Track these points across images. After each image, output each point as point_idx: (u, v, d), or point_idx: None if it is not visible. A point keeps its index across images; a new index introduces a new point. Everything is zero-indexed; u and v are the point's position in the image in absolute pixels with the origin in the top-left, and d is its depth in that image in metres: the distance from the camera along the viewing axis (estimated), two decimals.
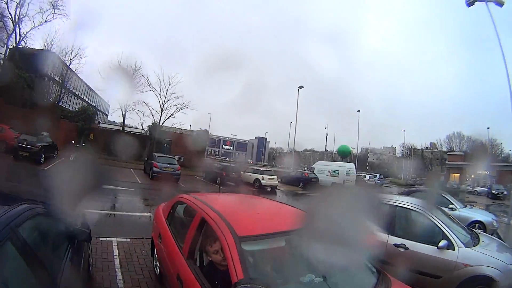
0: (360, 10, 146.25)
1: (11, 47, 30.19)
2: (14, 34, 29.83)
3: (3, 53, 29.82)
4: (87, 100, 51.33)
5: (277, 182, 24.96)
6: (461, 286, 4.88)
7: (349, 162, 36.81)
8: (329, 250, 2.71)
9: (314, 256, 2.93)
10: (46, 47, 32.18)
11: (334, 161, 48.19)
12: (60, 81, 35.24)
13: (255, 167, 29.67)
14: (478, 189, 40.08)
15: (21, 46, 30.51)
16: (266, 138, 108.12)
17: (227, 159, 71.85)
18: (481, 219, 10.81)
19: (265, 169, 28.13)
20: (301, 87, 40.07)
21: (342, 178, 28.95)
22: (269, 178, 23.73)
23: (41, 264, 2.42)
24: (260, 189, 22.73)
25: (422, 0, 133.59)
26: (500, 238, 7.07)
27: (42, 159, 17.52)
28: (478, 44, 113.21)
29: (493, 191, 34.05)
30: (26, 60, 27.58)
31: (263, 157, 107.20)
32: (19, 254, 2.14)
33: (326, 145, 63.07)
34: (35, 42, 31.43)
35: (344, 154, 52.49)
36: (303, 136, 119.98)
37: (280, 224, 3.66)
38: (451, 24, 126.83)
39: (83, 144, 19.80)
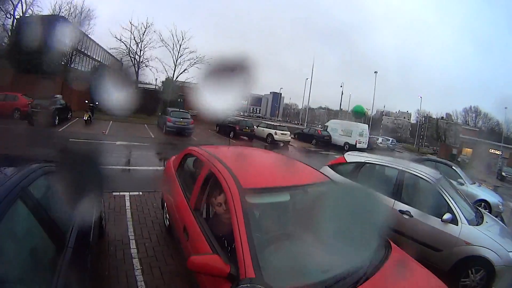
0: None
1: (18, 17, 30.17)
2: (20, 4, 29.84)
3: (11, 23, 29.87)
4: (99, 59, 51.13)
5: (289, 138, 25.04)
6: (459, 263, 4.86)
7: (363, 123, 36.35)
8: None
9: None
10: (55, 12, 32.20)
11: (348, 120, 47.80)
12: (71, 44, 35.16)
13: (269, 122, 29.74)
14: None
15: (28, 15, 30.42)
16: (281, 94, 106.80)
17: (241, 113, 71.63)
18: (487, 199, 10.48)
19: (279, 124, 28.16)
20: (319, 46, 39.25)
21: (355, 138, 28.62)
22: (282, 134, 23.83)
23: (52, 221, 2.53)
24: (272, 144, 22.91)
25: None
26: (503, 222, 6.98)
27: (57, 121, 17.82)
28: None
29: (503, 173, 33.19)
30: (34, 28, 27.46)
31: (277, 112, 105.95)
32: (30, 213, 2.24)
33: (341, 104, 62.16)
34: (43, 9, 31.19)
35: (358, 115, 51.79)
36: (318, 93, 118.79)
37: (287, 178, 3.64)
38: None
39: (97, 103, 19.90)
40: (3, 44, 29.05)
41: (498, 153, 42.42)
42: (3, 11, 29.39)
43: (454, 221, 5.02)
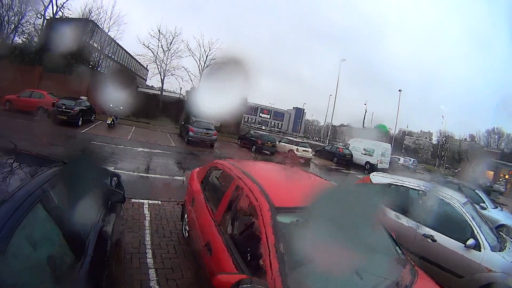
0: None
1: (49, 17, 30.99)
2: (51, 5, 30.63)
3: (41, 23, 30.67)
4: (125, 65, 52.03)
5: (311, 155, 24.80)
6: None
7: (385, 142, 35.90)
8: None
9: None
10: (85, 16, 32.86)
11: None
12: (99, 48, 35.86)
13: (291, 138, 29.55)
14: None
15: (58, 17, 31.13)
16: (303, 109, 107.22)
17: (263, 127, 71.70)
18: (509, 224, 10.10)
19: (301, 140, 27.99)
20: (343, 60, 39.54)
21: (377, 158, 28.10)
22: (303, 150, 23.60)
23: (72, 226, 2.43)
24: (293, 159, 22.46)
25: None
26: None
27: (80, 122, 17.96)
28: None
29: None
30: (63, 29, 28.10)
31: (299, 128, 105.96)
32: (49, 217, 2.15)
33: (363, 122, 61.60)
34: (73, 12, 31.95)
35: (381, 133, 51.24)
36: (341, 110, 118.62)
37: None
38: None
39: (121, 108, 20.10)
40: (33, 43, 29.56)
41: None
42: (34, 11, 30.34)
43: (477, 247, 4.86)
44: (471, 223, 5.12)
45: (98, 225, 2.97)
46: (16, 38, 30.21)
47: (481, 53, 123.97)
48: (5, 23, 28.67)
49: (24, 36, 30.36)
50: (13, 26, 29.33)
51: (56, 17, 31.03)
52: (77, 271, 2.24)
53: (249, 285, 2.23)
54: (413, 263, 3.32)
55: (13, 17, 29.37)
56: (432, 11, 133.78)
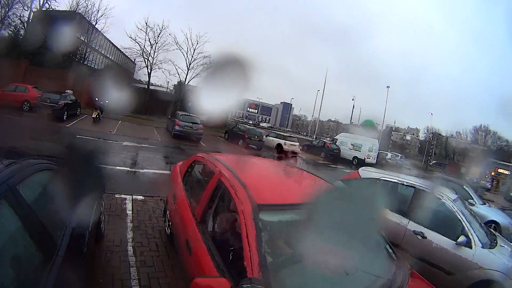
0: None
1: (35, 10, 30.54)
2: None
3: (27, 16, 30.20)
4: (112, 58, 51.46)
5: (298, 149, 24.94)
6: (471, 287, 4.68)
7: (373, 138, 36.06)
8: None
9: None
10: (72, 8, 32.50)
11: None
12: (86, 41, 35.41)
13: (278, 132, 29.57)
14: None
15: (45, 9, 30.75)
16: (291, 104, 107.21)
17: (250, 122, 71.57)
18: (497, 220, 10.36)
19: (288, 135, 28.00)
20: (332, 56, 39.57)
21: (364, 153, 28.31)
22: (291, 144, 23.73)
23: (40, 225, 2.28)
24: (281, 154, 22.67)
25: None
26: None
27: (65, 117, 17.78)
28: None
29: (511, 194, 33.08)
30: (50, 22, 27.68)
31: (286, 123, 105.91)
32: (16, 216, 2.01)
33: (351, 118, 61.82)
34: (60, 4, 31.51)
35: (368, 129, 51.48)
36: (328, 105, 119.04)
37: (303, 195, 3.42)
38: None
39: (107, 102, 19.92)
40: (20, 36, 29.06)
41: (507, 173, 42.41)
42: (21, 3, 29.79)
43: (468, 243, 4.85)
44: (462, 220, 5.11)
45: (73, 223, 2.79)
46: (2, 31, 29.70)
47: (469, 50, 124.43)
48: None
49: (10, 29, 29.86)
50: (0, 19, 28.78)
51: (43, 9, 30.62)
52: (46, 273, 2.09)
53: (249, 285, 2.18)
54: (405, 263, 3.26)
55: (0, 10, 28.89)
56: (420, 8, 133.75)
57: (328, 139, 46.43)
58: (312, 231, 3.21)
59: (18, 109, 17.70)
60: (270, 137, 25.23)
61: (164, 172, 10.47)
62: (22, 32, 29.83)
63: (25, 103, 18.38)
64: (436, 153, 66.72)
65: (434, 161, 58.91)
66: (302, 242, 3.09)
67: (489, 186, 38.35)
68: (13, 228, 2.03)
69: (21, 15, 30.09)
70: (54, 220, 2.53)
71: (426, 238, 5.20)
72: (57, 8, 31.57)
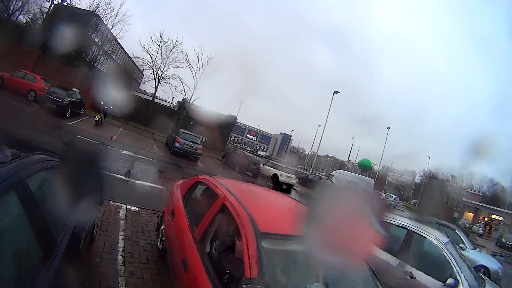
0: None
1: (57, 2, 30.68)
2: None
3: (48, 7, 30.34)
4: (122, 65, 51.79)
5: (294, 181, 24.79)
6: None
7: (369, 177, 36.00)
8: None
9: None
10: (91, 9, 32.67)
11: (354, 172, 47.67)
12: (99, 43, 35.67)
13: (276, 162, 29.52)
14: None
15: (66, 3, 30.96)
16: (291, 136, 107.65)
17: (248, 148, 71.81)
18: (487, 265, 10.42)
19: (286, 166, 27.99)
20: (336, 92, 40.01)
21: None
22: (287, 176, 23.54)
23: (44, 222, 2.24)
24: (276, 184, 22.55)
25: None
26: None
27: (68, 114, 17.75)
28: None
29: (503, 240, 33.19)
30: (68, 18, 27.95)
31: (284, 153, 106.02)
32: (23, 209, 1.98)
33: (349, 155, 62.13)
34: (81, 2, 31.79)
35: (365, 168, 51.68)
36: (327, 141, 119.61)
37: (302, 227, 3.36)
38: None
39: (111, 107, 19.99)
40: (36, 25, 29.23)
41: (500, 219, 42.48)
42: None
43: (456, 286, 4.93)
44: (452, 263, 5.21)
45: (73, 224, 2.78)
46: (21, 16, 29.65)
47: (468, 91, 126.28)
48: None
49: (29, 16, 29.85)
50: (21, 3, 28.83)
51: (64, 3, 30.84)
52: (44, 271, 2.05)
53: (249, 285, 2.20)
54: None
55: None
56: (422, 47, 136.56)
57: (324, 174, 46.50)
58: (308, 263, 3.17)
59: (23, 96, 17.81)
60: (267, 166, 25.15)
61: (158, 186, 10.49)
62: (39, 21, 29.92)
63: (31, 92, 18.48)
64: (431, 197, 66.66)
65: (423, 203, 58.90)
66: (297, 273, 3.16)
67: (481, 231, 38.69)
68: (19, 222, 2.00)
69: (41, 5, 30.19)
70: (56, 219, 2.49)
71: (415, 278, 5.27)
72: (77, 5, 31.73)
